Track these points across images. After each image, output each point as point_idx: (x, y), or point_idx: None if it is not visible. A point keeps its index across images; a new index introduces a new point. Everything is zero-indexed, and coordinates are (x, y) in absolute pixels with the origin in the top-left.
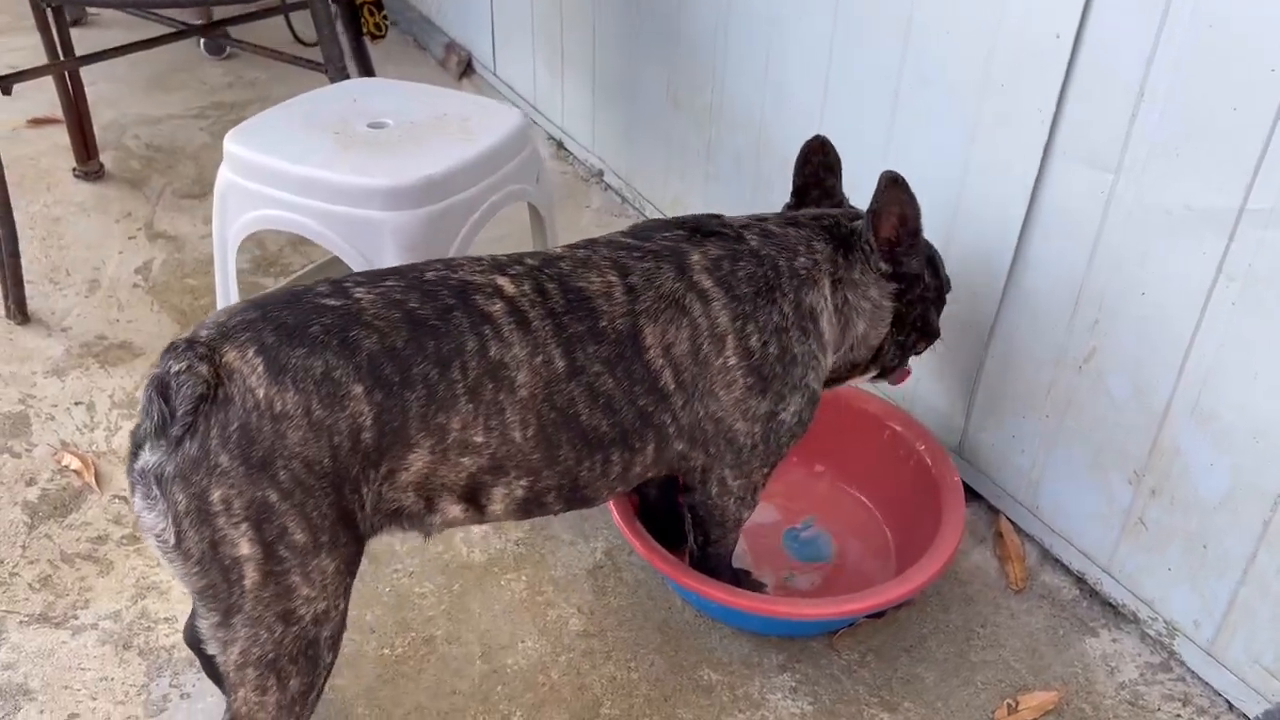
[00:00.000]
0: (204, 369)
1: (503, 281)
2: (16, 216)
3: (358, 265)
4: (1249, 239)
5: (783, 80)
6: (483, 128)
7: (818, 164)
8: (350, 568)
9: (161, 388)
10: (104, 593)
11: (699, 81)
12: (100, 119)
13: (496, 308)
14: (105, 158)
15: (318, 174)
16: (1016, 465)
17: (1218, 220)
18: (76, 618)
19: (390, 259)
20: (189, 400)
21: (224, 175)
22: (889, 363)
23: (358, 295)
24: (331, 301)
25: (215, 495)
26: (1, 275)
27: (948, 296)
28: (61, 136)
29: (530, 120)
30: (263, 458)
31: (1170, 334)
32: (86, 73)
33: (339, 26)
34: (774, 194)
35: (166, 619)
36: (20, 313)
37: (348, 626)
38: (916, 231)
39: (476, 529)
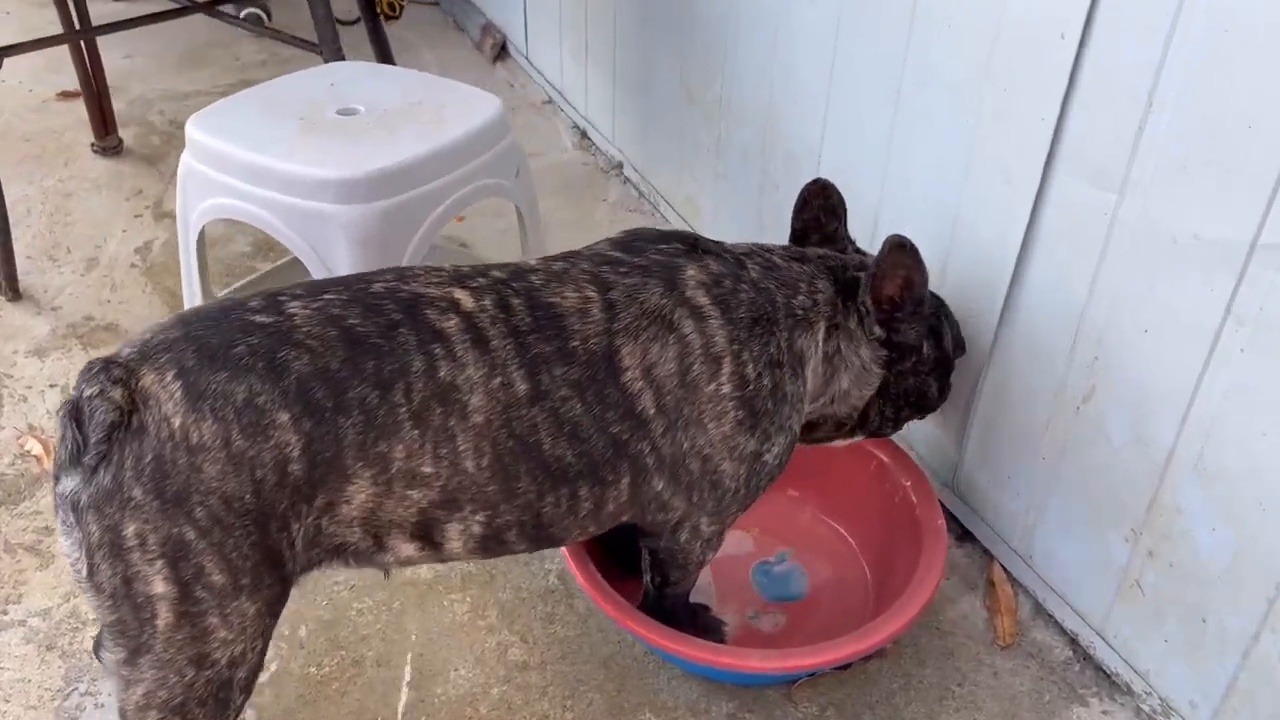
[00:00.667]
0: (117, 394)
1: (460, 295)
2: (30, 190)
3: (310, 261)
4: (1261, 279)
5: (789, 70)
6: (456, 117)
7: (818, 208)
8: (273, 609)
9: (75, 413)
10: (39, 587)
11: (709, 72)
12: (129, 93)
13: (450, 324)
14: (127, 133)
15: (269, 162)
16: (1011, 509)
17: (1228, 254)
18: (6, 613)
19: (343, 255)
20: (101, 428)
21: (184, 160)
22: (874, 428)
23: (292, 311)
24: (262, 319)
25: (129, 530)
26: None
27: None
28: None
29: (508, 111)
30: (178, 493)
31: (1173, 378)
32: (120, 47)
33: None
34: (779, 194)
35: (95, 620)
36: (11, 289)
37: (280, 638)
38: (920, 300)
39: None
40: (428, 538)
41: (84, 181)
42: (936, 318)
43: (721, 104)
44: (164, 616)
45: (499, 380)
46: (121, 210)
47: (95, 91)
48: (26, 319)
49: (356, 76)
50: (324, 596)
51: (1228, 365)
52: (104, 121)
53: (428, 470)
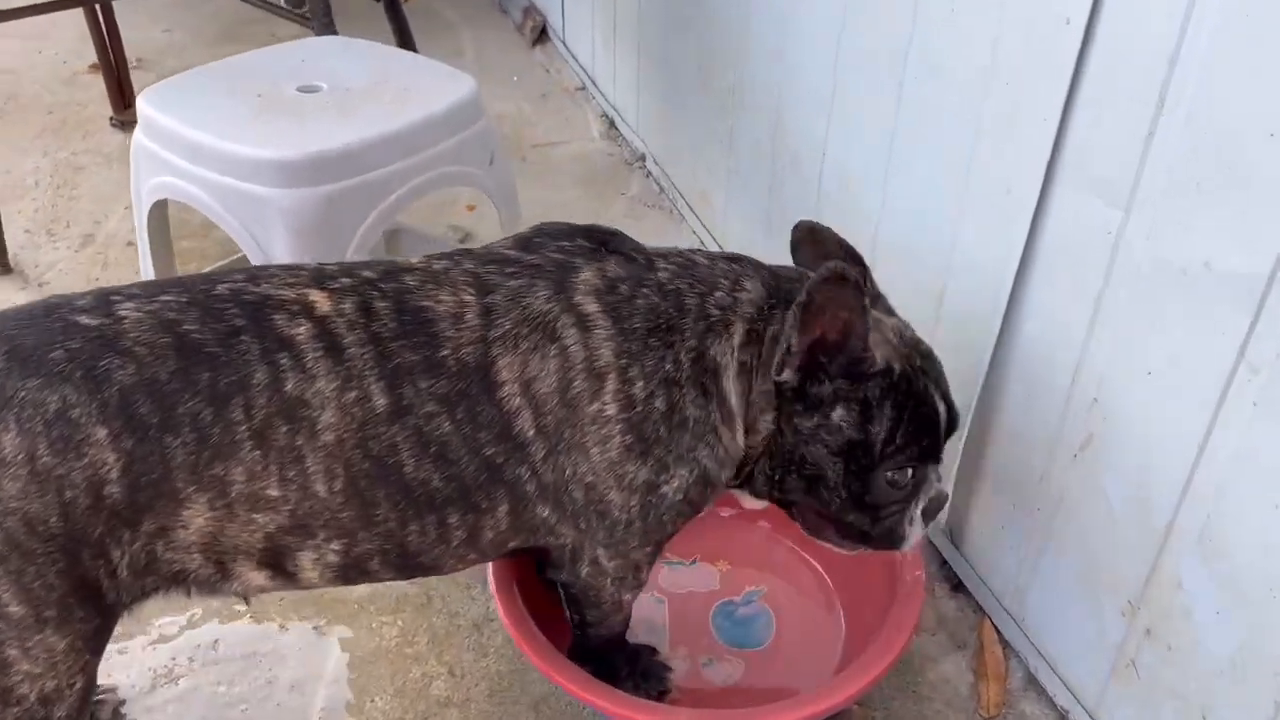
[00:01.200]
0: None
1: (317, 297)
2: (42, 162)
3: (250, 249)
4: None
5: (796, 59)
6: (421, 98)
7: (810, 255)
8: (91, 644)
9: None
10: None
11: (724, 59)
12: (163, 67)
13: (300, 331)
14: None
15: (208, 140)
16: (1004, 564)
17: (1243, 288)
18: None
19: (281, 243)
20: None
21: (135, 136)
22: (760, 490)
23: (123, 313)
24: (87, 320)
25: None
26: None
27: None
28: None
29: (479, 92)
30: None
31: (1177, 431)
32: (160, 21)
33: None
34: (785, 194)
35: None
36: (0, 263)
37: (195, 648)
38: (858, 356)
39: None
40: (278, 566)
41: (97, 155)
42: (886, 393)
43: (734, 93)
44: None
45: (354, 394)
46: (128, 186)
47: (113, 63)
48: (11, 294)
49: (330, 53)
50: (246, 607)
51: (1238, 421)
52: (122, 94)
53: (274, 494)
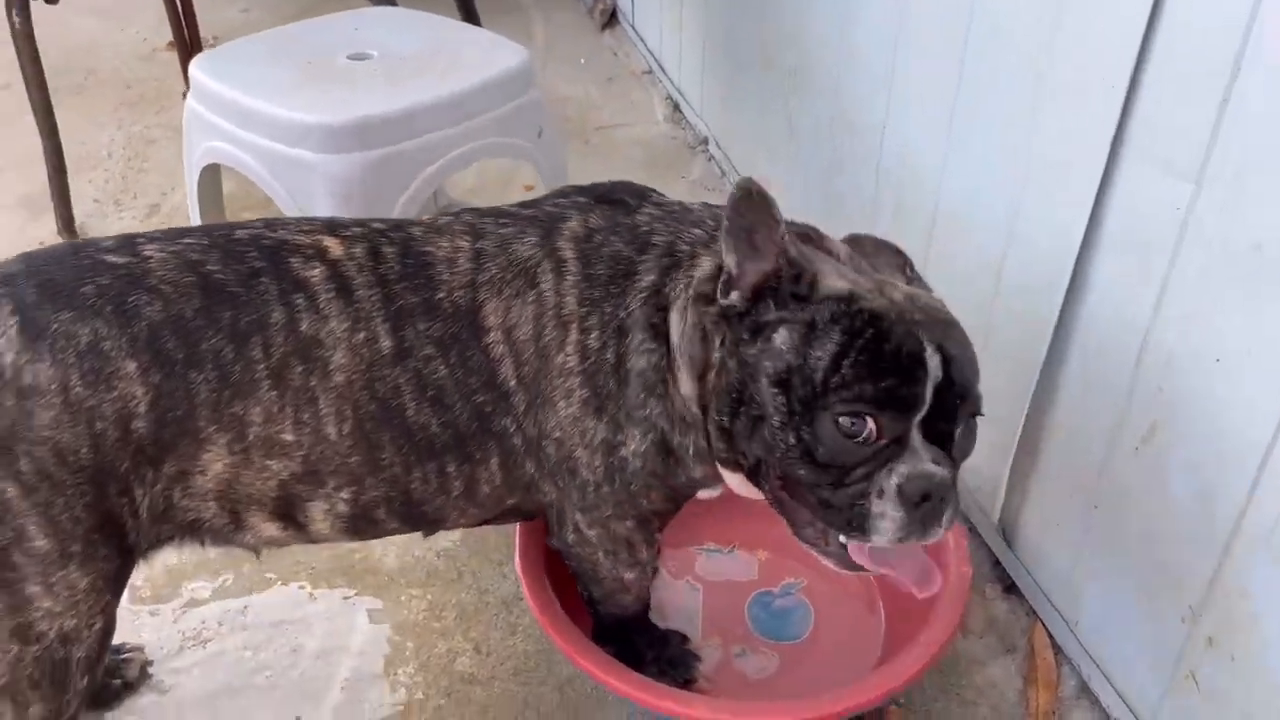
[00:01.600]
0: None
1: (330, 243)
2: (116, 135)
3: (294, 214)
4: None
5: (856, 37)
6: (470, 67)
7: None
8: (112, 586)
9: None
10: None
11: (784, 39)
12: None
13: (315, 273)
14: None
15: (256, 105)
16: (1059, 564)
17: None
18: None
19: (324, 209)
20: None
21: (188, 102)
22: (719, 451)
23: (148, 253)
24: (114, 259)
25: None
26: (52, 191)
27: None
28: None
29: (531, 63)
30: (0, 439)
31: (1248, 425)
32: (238, 0)
33: None
34: (844, 178)
35: None
36: (67, 230)
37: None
38: (796, 276)
39: None
40: (290, 516)
41: (169, 129)
42: (837, 319)
43: (795, 74)
44: None
45: (363, 335)
46: None
47: (186, 39)
48: None
49: (384, 22)
50: (276, 573)
51: None
52: None
53: (288, 438)
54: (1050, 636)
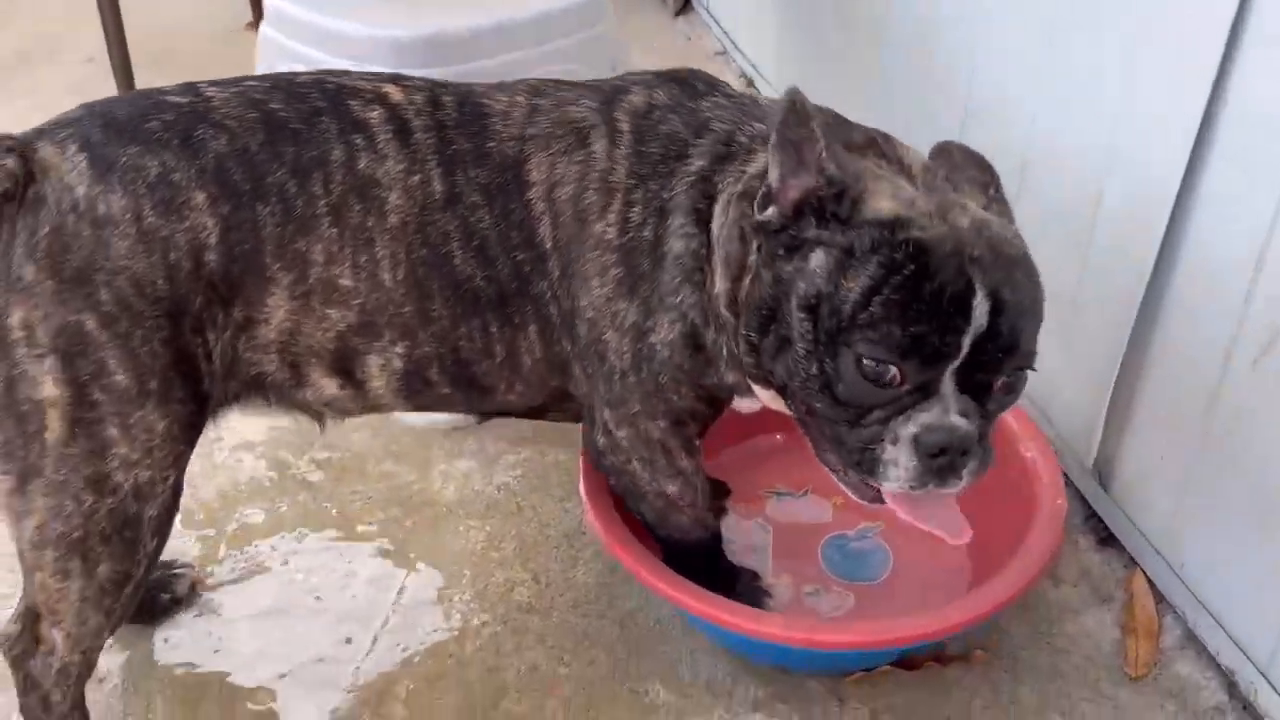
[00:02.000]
0: (10, 163)
1: (390, 89)
2: None
3: None
4: None
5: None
6: None
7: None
8: (187, 434)
9: None
10: None
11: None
12: None
13: (374, 114)
14: None
15: (327, 22)
16: (1160, 504)
17: None
18: None
19: None
20: None
21: (262, 30)
22: (746, 362)
23: (210, 94)
24: (177, 99)
25: (14, 318)
26: None
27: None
28: None
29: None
30: (79, 270)
31: None
32: None
33: None
34: (930, 127)
35: None
36: None
37: (272, 549)
38: (839, 195)
39: (462, 464)
40: (348, 373)
41: None
42: (877, 247)
43: (878, 25)
44: (54, 428)
45: (418, 177)
46: None
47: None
48: None
49: None
50: (333, 503)
51: None
52: None
53: (346, 283)
54: (1151, 584)
